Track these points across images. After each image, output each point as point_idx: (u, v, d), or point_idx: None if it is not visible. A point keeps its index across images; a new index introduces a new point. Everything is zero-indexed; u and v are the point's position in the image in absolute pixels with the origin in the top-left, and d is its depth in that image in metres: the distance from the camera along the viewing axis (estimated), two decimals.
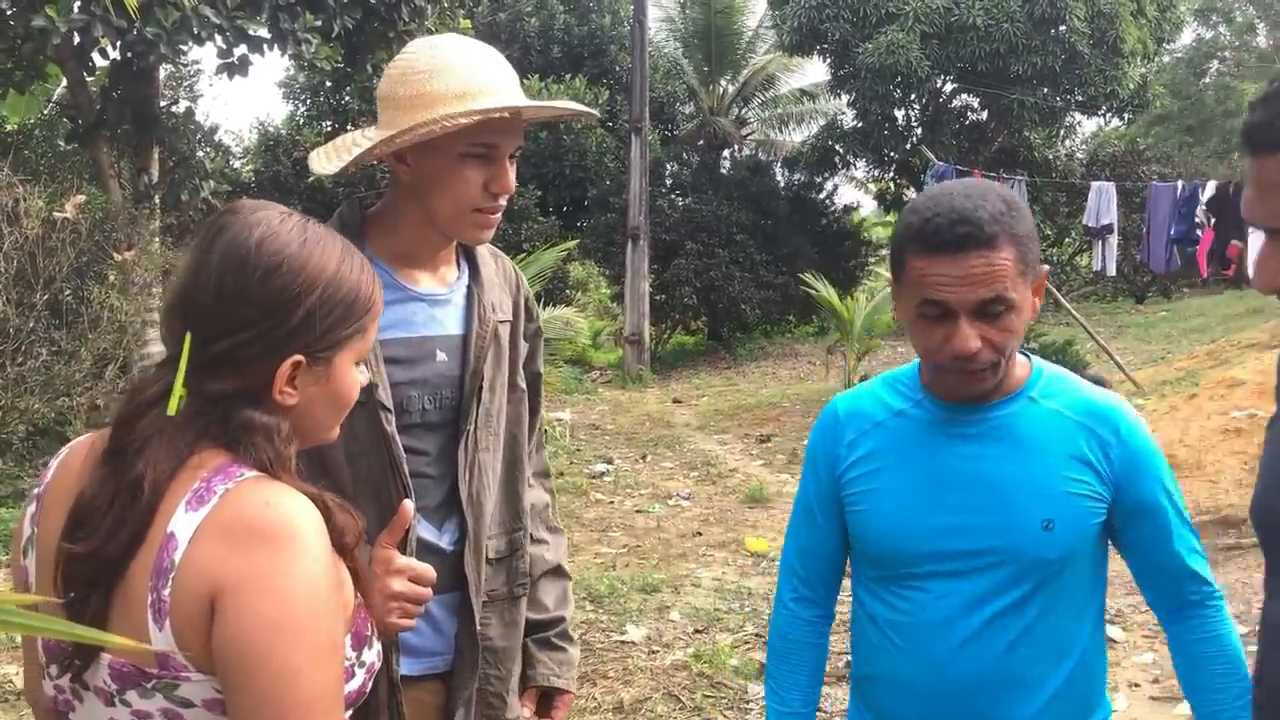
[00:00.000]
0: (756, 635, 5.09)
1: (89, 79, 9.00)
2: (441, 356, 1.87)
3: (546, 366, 8.24)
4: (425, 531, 1.85)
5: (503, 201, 1.81)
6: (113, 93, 8.89)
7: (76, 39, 7.47)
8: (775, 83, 23.79)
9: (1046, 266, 1.59)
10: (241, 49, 8.20)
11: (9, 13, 6.77)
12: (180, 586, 1.07)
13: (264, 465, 1.15)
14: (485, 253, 2.00)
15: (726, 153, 22.99)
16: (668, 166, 20.92)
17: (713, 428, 11.45)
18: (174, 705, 1.10)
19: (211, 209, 10.19)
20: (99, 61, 8.81)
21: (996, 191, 1.54)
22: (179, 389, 1.13)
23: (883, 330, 13.26)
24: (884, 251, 21.03)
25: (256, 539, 1.08)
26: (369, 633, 1.26)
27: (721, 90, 23.53)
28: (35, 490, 1.22)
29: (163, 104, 9.41)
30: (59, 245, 6.59)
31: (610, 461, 9.34)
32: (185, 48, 7.66)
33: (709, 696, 4.39)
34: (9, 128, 10.37)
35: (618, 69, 20.97)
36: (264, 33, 8.04)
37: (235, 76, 8.36)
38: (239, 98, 41.44)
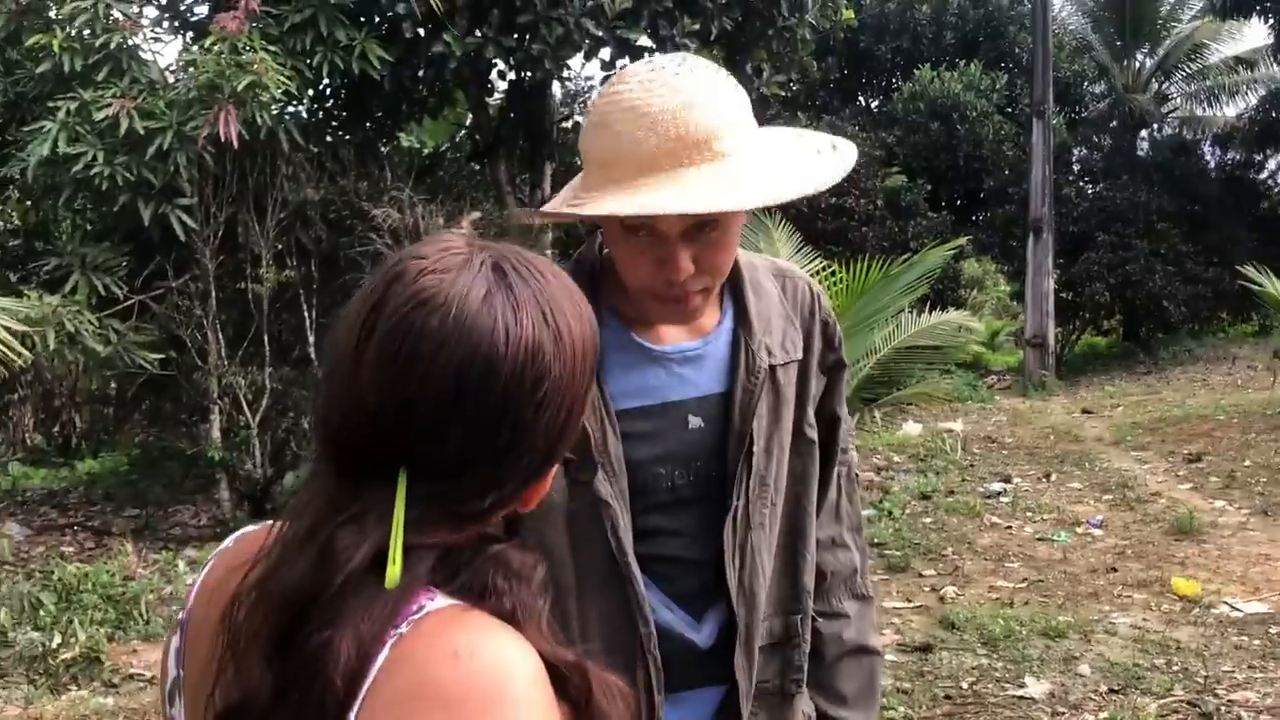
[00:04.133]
0: (1189, 704, 4.26)
1: (489, 100, 9.50)
2: (695, 423, 1.52)
3: (935, 373, 7.56)
4: (681, 624, 1.54)
5: (691, 286, 1.38)
6: (509, 113, 9.32)
7: (474, 62, 7.84)
8: (1203, 52, 21.20)
9: None
10: (624, 60, 8.27)
11: (408, 38, 7.17)
12: None
13: (506, 615, 0.81)
14: (762, 278, 1.59)
15: (1144, 133, 20.81)
16: (1074, 151, 19.27)
17: (1129, 443, 10.19)
18: None
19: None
20: (499, 85, 9.28)
21: None
22: (397, 555, 0.78)
23: None
24: None
25: (439, 712, 0.73)
26: None
27: (1137, 65, 21.31)
28: (180, 614, 0.95)
29: (554, 120, 9.75)
30: None
31: (1008, 480, 8.51)
32: (569, 62, 7.80)
33: None
34: (426, 151, 11.21)
35: (1017, 50, 19.60)
36: (645, 40, 8.05)
37: None
38: None
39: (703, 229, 1.34)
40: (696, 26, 7.92)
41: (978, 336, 14.25)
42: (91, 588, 5.63)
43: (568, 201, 1.39)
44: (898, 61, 19.95)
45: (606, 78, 8.63)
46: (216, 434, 7.57)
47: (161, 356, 7.09)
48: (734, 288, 1.56)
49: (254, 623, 0.78)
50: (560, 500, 1.46)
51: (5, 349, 3.99)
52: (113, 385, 8.35)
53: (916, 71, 18.54)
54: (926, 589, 5.89)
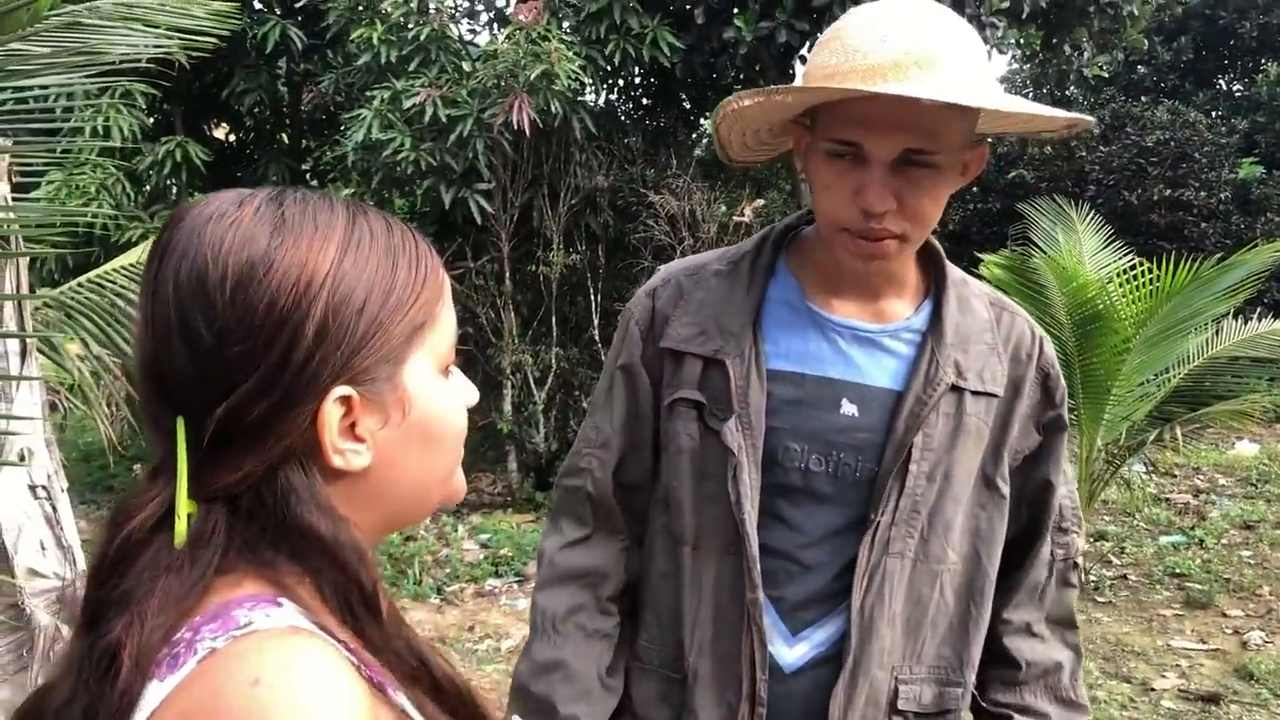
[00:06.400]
0: None
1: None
2: (849, 409, 1.38)
3: (1260, 388, 6.66)
4: (773, 631, 1.41)
5: (884, 225, 1.29)
6: None
7: (768, 47, 7.72)
8: None
9: None
10: None
11: (700, 23, 7.15)
12: None
13: (342, 606, 0.74)
14: (973, 299, 1.46)
15: None
16: None
17: None
18: None
19: None
20: (800, 70, 9.12)
21: None
22: (184, 503, 0.73)
23: None
24: None
25: None
26: None
27: None
28: None
29: None
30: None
31: None
32: None
33: None
34: None
35: None
36: None
37: None
38: None
39: (912, 162, 1.27)
40: (1006, 5, 7.40)
41: None
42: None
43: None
44: (1265, 40, 17.87)
45: None
46: (508, 407, 7.94)
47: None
48: (936, 292, 1.45)
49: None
50: (689, 446, 1.42)
51: None
52: None
53: None
54: (1228, 630, 5.23)
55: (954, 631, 1.44)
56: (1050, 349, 1.50)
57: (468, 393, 0.88)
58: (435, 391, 0.82)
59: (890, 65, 1.22)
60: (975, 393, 1.40)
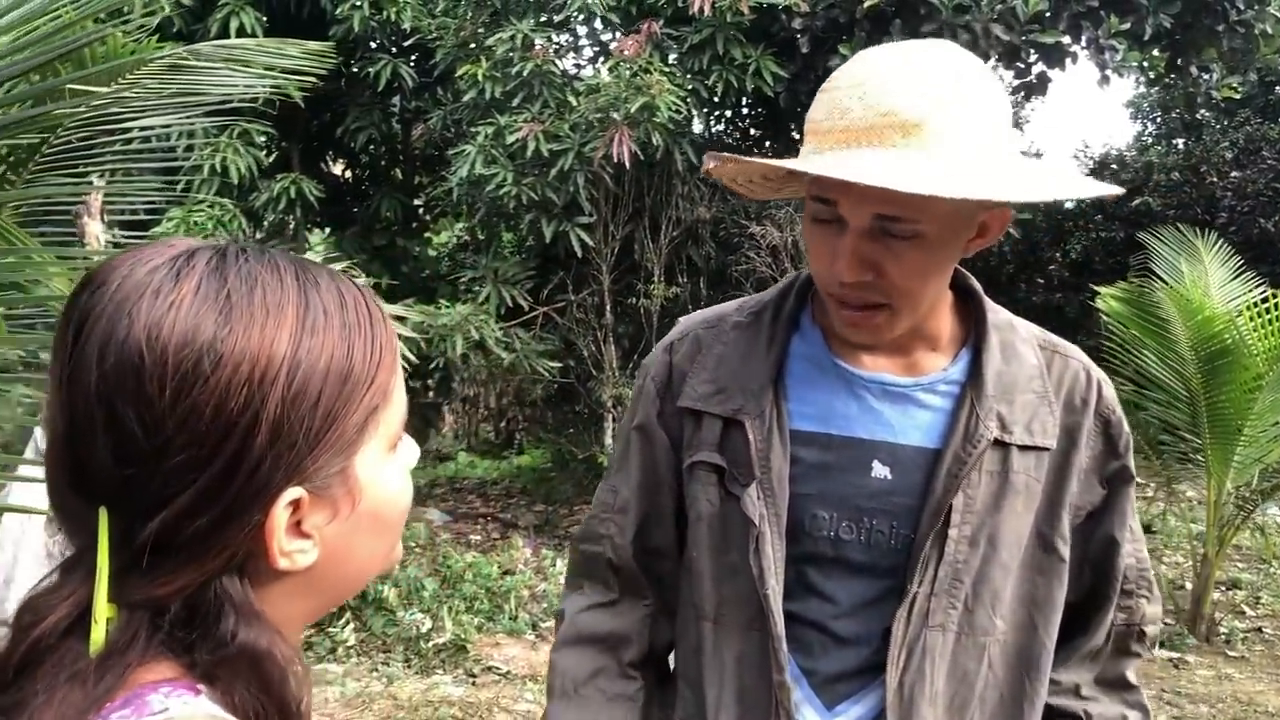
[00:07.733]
0: None
1: None
2: (880, 472, 1.27)
3: None
4: (809, 705, 1.30)
5: (861, 294, 1.19)
6: None
7: None
8: None
9: None
10: (1039, 66, 7.63)
11: (804, 52, 7.05)
12: None
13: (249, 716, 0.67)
14: (1019, 343, 1.33)
15: None
16: None
17: None
18: None
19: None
20: None
21: None
22: (104, 607, 0.65)
23: None
24: None
25: None
26: None
27: None
28: None
29: None
30: None
31: None
32: None
33: None
34: None
35: None
36: (1067, 44, 7.37)
37: (1034, 97, 7.81)
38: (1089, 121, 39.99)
39: (888, 230, 1.15)
40: (1127, 26, 7.11)
41: None
42: (473, 578, 6.05)
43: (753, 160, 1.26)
44: None
45: (1021, 85, 8.02)
46: (609, 440, 7.90)
47: (559, 365, 7.51)
48: (976, 340, 1.33)
49: None
50: (709, 513, 1.34)
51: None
52: (540, 388, 9.06)
53: None
54: None
55: (1006, 706, 1.31)
56: (1110, 392, 1.36)
57: (412, 455, 0.79)
58: (385, 474, 0.75)
59: (864, 128, 1.11)
60: (1023, 447, 1.27)
